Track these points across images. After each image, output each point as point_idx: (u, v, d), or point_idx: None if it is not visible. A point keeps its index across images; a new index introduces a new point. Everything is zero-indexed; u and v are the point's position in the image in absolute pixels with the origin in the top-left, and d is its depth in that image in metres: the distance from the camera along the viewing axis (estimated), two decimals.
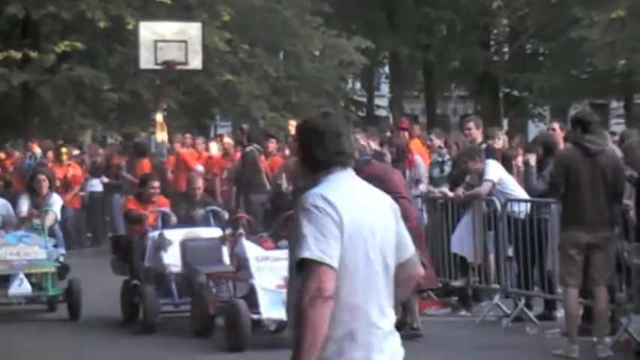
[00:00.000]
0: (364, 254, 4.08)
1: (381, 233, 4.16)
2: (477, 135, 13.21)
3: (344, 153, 4.19)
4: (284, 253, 10.87)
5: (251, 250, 10.86)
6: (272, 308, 10.27)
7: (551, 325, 11.34)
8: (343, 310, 4.03)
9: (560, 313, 11.34)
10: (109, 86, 27.46)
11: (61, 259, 12.96)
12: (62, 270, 12.81)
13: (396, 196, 10.71)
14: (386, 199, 4.31)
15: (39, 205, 13.19)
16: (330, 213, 4.01)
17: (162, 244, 11.93)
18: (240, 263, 10.94)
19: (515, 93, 40.54)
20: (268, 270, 10.58)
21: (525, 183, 12.05)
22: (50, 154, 21.07)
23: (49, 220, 13.04)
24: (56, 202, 13.43)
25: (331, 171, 4.18)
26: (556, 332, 10.94)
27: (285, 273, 10.52)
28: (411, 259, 4.33)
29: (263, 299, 10.36)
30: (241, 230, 11.46)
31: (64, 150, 20.35)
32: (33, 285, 12.42)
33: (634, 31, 28.77)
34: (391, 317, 4.20)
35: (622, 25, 29.24)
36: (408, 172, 13.71)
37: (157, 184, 13.02)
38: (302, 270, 3.98)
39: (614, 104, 42.68)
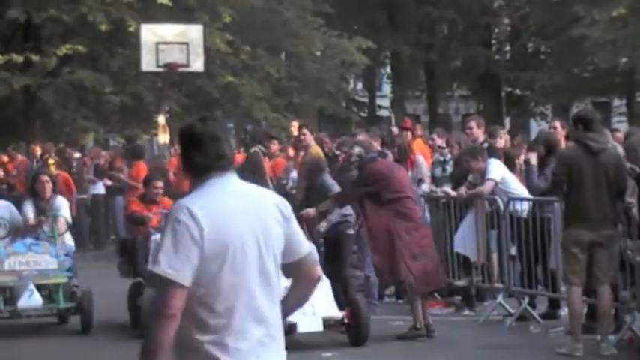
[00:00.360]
0: (231, 265, 4.08)
1: (257, 237, 4.15)
2: (479, 134, 13.22)
3: (224, 157, 4.19)
4: None
5: None
6: None
7: (555, 324, 11.34)
8: (212, 318, 4.07)
9: (563, 311, 11.34)
10: (110, 89, 27.47)
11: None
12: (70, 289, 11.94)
13: (400, 195, 10.84)
14: (270, 199, 4.29)
15: (43, 209, 12.35)
16: (190, 227, 4.03)
17: None
18: None
19: (517, 92, 40.56)
20: None
21: (526, 182, 12.03)
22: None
23: (62, 228, 12.24)
24: (62, 205, 12.55)
25: (210, 177, 4.18)
26: (560, 331, 10.94)
27: None
28: (305, 258, 4.33)
29: None
30: None
31: (51, 161, 20.16)
32: (43, 297, 11.65)
33: (635, 28, 28.76)
34: (272, 323, 4.19)
35: (623, 23, 29.24)
36: (410, 172, 13.68)
37: (160, 184, 12.95)
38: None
39: (616, 102, 42.67)
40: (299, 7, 30.66)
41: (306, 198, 11.98)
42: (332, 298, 10.58)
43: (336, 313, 10.45)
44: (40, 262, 11.68)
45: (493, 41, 40.45)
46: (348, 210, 11.89)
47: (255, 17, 29.66)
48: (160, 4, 25.92)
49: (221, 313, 4.08)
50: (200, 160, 4.18)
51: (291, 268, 4.31)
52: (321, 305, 10.34)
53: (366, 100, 43.07)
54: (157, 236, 12.10)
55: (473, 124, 13.39)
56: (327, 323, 10.37)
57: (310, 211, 11.39)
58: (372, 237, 10.96)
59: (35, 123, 27.90)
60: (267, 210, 4.22)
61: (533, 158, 11.77)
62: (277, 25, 30.19)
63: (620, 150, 10.71)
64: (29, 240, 11.91)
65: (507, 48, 40.62)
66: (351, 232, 11.97)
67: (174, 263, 4.01)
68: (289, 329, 10.48)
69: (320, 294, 10.47)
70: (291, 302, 4.40)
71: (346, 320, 10.52)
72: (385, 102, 44.78)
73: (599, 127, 10.22)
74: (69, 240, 12.59)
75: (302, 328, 10.23)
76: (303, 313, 10.20)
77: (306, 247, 4.35)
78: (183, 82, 27.77)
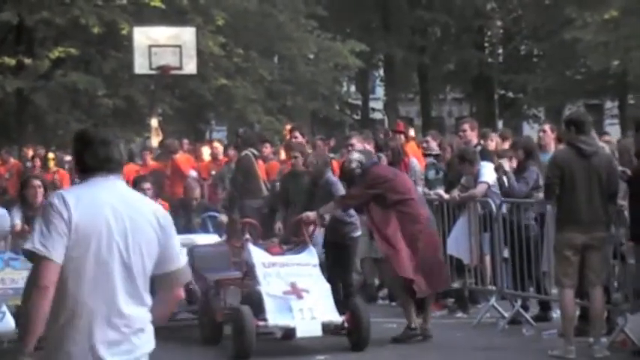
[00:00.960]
0: (95, 255, 4.31)
1: (125, 233, 4.37)
2: (472, 137, 13.23)
3: (112, 160, 4.48)
4: (291, 259, 10.82)
5: (257, 255, 10.66)
6: (279, 315, 10.16)
7: (548, 326, 11.34)
8: (68, 304, 4.28)
9: (556, 314, 11.35)
10: (103, 92, 27.47)
11: None
12: None
13: (405, 197, 10.79)
14: (150, 207, 4.54)
15: (32, 217, 10.83)
16: (61, 211, 4.30)
17: None
18: (247, 269, 10.86)
19: (510, 94, 40.63)
20: (275, 276, 10.44)
21: (500, 187, 11.88)
22: (38, 161, 20.95)
23: None
24: None
25: (94, 175, 4.46)
26: (552, 333, 10.94)
27: (292, 279, 10.52)
28: (174, 273, 4.53)
29: (269, 306, 10.20)
30: (247, 236, 11.32)
31: (51, 155, 20.11)
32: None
33: (627, 31, 28.84)
34: (135, 318, 4.37)
35: (615, 25, 29.32)
36: None
37: (147, 185, 12.57)
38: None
39: (608, 105, 42.75)
40: (292, 9, 30.68)
41: (309, 199, 11.76)
42: (332, 302, 10.49)
43: (336, 317, 10.38)
44: (16, 280, 10.33)
45: (486, 44, 40.51)
46: (352, 212, 11.68)
47: (248, 20, 29.67)
48: (153, 7, 25.92)
49: (79, 301, 4.28)
50: (89, 160, 4.48)
51: (160, 280, 4.51)
52: (320, 310, 10.29)
53: (359, 102, 43.12)
54: None
55: (466, 126, 13.40)
56: (327, 328, 10.32)
57: (311, 215, 11.09)
58: (380, 233, 10.79)
59: (28, 126, 27.89)
60: (142, 213, 4.46)
61: (506, 164, 11.75)
62: (270, 28, 30.19)
63: (608, 150, 10.72)
64: (8, 254, 10.81)
65: (500, 51, 40.71)
66: (358, 234, 11.79)
67: (45, 241, 4.26)
68: (288, 334, 10.46)
69: (320, 298, 10.44)
70: (154, 314, 4.52)
71: (346, 325, 10.46)
72: (378, 105, 44.81)
73: (590, 130, 10.25)
74: None
75: (300, 332, 10.17)
76: (302, 318, 10.17)
77: (178, 265, 4.54)
78: (176, 85, 27.77)
